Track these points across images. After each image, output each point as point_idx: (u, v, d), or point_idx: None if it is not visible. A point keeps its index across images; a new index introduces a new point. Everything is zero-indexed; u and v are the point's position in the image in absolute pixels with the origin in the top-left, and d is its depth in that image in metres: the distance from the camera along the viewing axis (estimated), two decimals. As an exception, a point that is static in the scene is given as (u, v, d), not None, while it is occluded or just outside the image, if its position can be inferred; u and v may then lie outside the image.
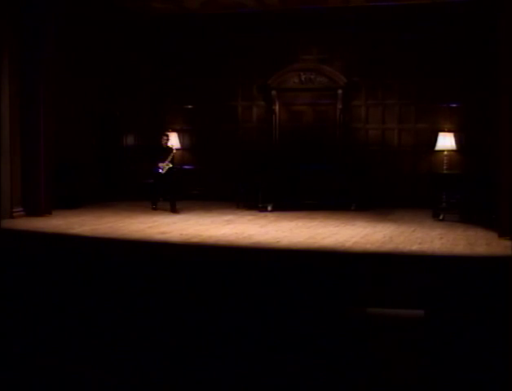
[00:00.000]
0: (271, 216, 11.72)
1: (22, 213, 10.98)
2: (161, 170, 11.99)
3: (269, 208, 12.29)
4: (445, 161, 12.77)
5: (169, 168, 12.05)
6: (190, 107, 14.76)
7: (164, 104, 14.85)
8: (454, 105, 13.18)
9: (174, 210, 11.78)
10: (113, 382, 4.37)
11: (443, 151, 12.90)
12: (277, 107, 14.11)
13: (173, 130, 14.50)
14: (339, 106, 13.70)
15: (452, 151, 12.93)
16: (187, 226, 10.36)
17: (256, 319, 4.60)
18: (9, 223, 10.20)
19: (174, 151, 12.35)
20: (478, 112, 12.81)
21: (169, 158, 12.08)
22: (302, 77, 13.90)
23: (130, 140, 14.67)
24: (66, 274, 5.46)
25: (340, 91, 13.66)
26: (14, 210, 10.80)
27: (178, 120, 14.86)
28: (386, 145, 13.72)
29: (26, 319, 5.09)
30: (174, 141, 14.42)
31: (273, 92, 14.04)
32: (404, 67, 13.31)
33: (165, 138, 12.36)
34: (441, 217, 11.07)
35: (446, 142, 12.84)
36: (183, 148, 14.70)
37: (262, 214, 11.94)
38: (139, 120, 14.66)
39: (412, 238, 9.06)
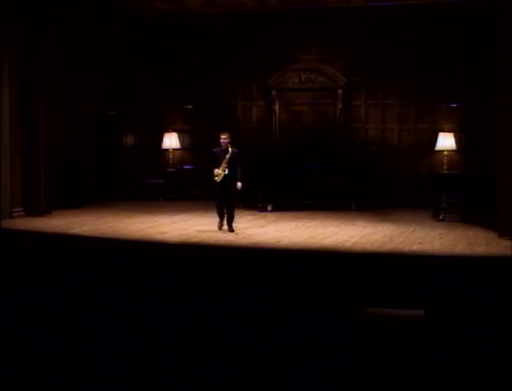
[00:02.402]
0: (271, 216, 11.72)
1: (22, 213, 10.99)
2: (217, 178, 9.67)
3: (269, 208, 12.29)
4: (445, 161, 12.79)
5: (225, 175, 9.64)
6: (190, 107, 14.76)
7: (164, 104, 14.85)
8: (454, 105, 13.18)
9: (230, 228, 9.75)
10: (113, 382, 4.38)
11: (443, 151, 12.91)
12: (277, 107, 14.11)
13: (173, 130, 14.53)
14: (339, 106, 13.70)
15: (452, 151, 12.94)
16: (186, 226, 10.37)
17: (255, 319, 4.61)
18: (9, 223, 10.20)
19: (230, 151, 9.68)
20: (478, 112, 12.81)
21: (224, 163, 9.64)
22: (302, 77, 13.89)
23: (130, 140, 14.69)
24: (66, 274, 5.46)
25: (340, 91, 13.66)
26: (14, 210, 10.81)
27: (178, 120, 14.86)
28: (386, 145, 13.71)
29: (26, 319, 5.09)
30: (173, 141, 14.48)
31: (273, 92, 14.04)
32: (404, 67, 13.31)
33: (223, 137, 9.74)
34: (441, 217, 11.07)
35: (446, 142, 12.85)
36: (182, 148, 14.72)
37: (262, 214, 11.94)
38: (139, 120, 14.66)
39: (412, 238, 9.07)
